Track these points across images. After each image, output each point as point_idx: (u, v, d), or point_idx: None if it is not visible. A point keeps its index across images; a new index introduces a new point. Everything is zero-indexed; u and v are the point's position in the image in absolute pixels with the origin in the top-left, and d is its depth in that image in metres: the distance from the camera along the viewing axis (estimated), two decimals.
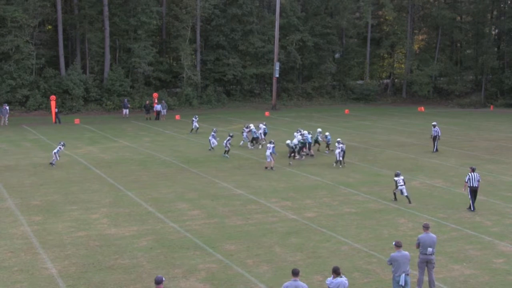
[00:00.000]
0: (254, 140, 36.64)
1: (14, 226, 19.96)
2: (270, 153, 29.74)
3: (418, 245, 15.01)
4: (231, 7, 63.70)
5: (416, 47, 78.75)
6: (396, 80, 78.26)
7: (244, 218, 21.20)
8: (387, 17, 76.07)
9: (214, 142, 35.04)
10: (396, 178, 23.64)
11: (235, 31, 64.54)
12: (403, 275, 13.84)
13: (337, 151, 30.62)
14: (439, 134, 35.81)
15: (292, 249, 17.92)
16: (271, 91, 64.38)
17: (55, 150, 30.61)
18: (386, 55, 79.51)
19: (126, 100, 54.58)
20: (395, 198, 23.80)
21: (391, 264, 14.10)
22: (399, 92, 76.17)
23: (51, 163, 30.41)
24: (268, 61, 65.19)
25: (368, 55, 72.96)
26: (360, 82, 73.99)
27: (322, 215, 21.68)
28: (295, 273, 12.51)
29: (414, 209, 22.64)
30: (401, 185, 23.46)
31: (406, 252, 14.17)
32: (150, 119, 51.33)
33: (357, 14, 75.28)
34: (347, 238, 19.00)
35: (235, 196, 24.44)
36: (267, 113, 56.11)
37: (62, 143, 31.61)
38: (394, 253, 14.05)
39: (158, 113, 51.80)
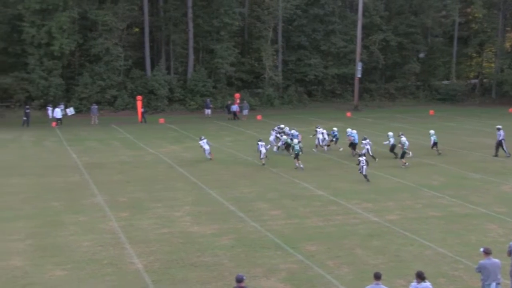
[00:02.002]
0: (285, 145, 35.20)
1: (103, 221, 20.77)
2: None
3: (510, 253, 14.32)
4: (313, 7, 63.48)
5: (508, 45, 75.48)
6: (484, 80, 75.34)
7: (325, 219, 21.09)
8: (476, 15, 73.30)
9: (268, 147, 33.15)
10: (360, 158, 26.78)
11: (316, 31, 64.30)
12: (494, 284, 13.27)
13: (367, 147, 31.40)
14: (503, 138, 33.87)
15: (374, 251, 17.67)
16: (353, 91, 63.64)
17: (206, 146, 32.22)
18: (474, 54, 76.59)
19: (208, 100, 55.55)
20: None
21: (480, 271, 13.54)
22: (488, 93, 73.26)
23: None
24: (350, 61, 64.49)
25: (455, 54, 70.67)
26: (446, 82, 71.76)
27: (405, 218, 21.24)
28: (377, 276, 12.32)
29: (505, 214, 21.76)
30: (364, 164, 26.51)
31: (497, 260, 13.59)
32: (231, 119, 52.02)
33: (443, 12, 72.96)
34: (431, 242, 18.52)
35: (315, 196, 24.36)
36: (348, 114, 55.54)
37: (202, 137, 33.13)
38: (483, 261, 13.49)
39: (235, 113, 52.40)
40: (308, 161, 32.13)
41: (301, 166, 29.89)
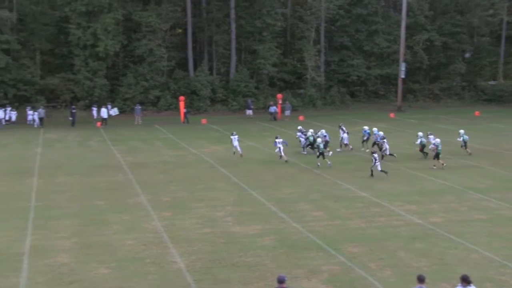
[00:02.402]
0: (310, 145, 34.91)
1: (146, 220, 21.01)
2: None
3: None
4: (356, 7, 63.02)
5: None
6: None
7: (367, 220, 20.88)
8: None
9: (280, 147, 32.88)
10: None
11: (359, 31, 63.79)
12: None
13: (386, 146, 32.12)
14: None
15: (417, 254, 17.40)
16: (396, 92, 62.87)
17: (235, 142, 33.11)
18: None
19: (249, 100, 55.73)
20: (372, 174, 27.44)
21: None
22: None
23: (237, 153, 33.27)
24: (394, 61, 63.68)
25: (502, 54, 69.11)
26: (492, 82, 70.20)
27: (449, 220, 20.85)
28: (421, 279, 12.13)
29: None
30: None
31: None
32: (271, 120, 52.01)
33: (491, 11, 71.39)
34: (477, 245, 18.12)
35: (358, 198, 24.14)
36: (392, 115, 54.89)
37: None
38: None
39: (273, 114, 52.35)
40: (350, 162, 31.91)
41: (329, 162, 30.53)
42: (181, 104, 51.78)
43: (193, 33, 60.65)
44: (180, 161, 32.87)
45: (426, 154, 32.58)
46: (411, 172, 29.31)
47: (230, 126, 47.30)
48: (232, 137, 34.03)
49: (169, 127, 47.30)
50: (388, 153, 32.34)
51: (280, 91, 60.10)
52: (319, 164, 30.50)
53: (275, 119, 52.42)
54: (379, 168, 27.88)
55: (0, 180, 28.00)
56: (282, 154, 32.18)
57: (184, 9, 59.21)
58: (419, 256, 17.26)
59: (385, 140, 33.04)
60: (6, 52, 52.96)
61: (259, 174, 29.06)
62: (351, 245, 18.25)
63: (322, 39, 62.93)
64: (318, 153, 30.88)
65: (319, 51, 62.65)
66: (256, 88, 60.20)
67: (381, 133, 34.77)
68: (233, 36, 59.36)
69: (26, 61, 54.72)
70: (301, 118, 52.29)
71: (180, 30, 63.17)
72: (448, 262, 16.76)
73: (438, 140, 30.71)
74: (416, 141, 33.38)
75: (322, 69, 62.85)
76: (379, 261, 16.86)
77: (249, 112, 54.28)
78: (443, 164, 30.00)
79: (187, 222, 20.73)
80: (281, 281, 12.18)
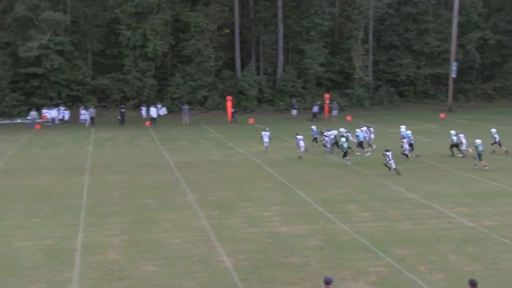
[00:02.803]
0: (360, 145, 34.82)
1: (193, 219, 21.17)
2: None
3: None
4: (406, 6, 62.12)
5: None
6: None
7: (416, 222, 20.50)
8: None
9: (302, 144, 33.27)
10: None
11: (409, 30, 62.85)
12: None
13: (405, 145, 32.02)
14: None
15: (469, 258, 16.96)
16: (446, 92, 61.63)
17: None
18: None
19: (294, 100, 55.68)
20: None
21: None
22: None
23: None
24: (444, 60, 62.46)
25: None
26: None
27: (504, 224, 20.25)
28: (473, 284, 11.82)
29: None
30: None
31: None
32: (321, 119, 51.71)
33: None
34: None
35: (406, 199, 23.75)
36: (442, 115, 53.81)
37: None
38: None
39: (315, 114, 52.03)
40: (397, 163, 31.40)
41: (349, 162, 30.81)
42: (229, 104, 52.04)
43: (241, 33, 60.87)
44: (227, 160, 33.02)
45: (453, 152, 32.94)
46: (462, 173, 28.66)
47: (277, 126, 47.23)
48: (263, 133, 34.70)
49: (217, 127, 47.58)
50: (407, 153, 31.94)
51: (327, 91, 59.70)
52: (349, 163, 30.69)
53: (314, 116, 51.91)
54: (393, 166, 28.36)
55: (54, 177, 28.74)
56: (301, 149, 32.84)
57: (231, 9, 59.51)
58: (471, 260, 16.82)
59: (404, 140, 32.62)
60: (60, 53, 54.31)
61: (306, 174, 28.93)
62: (399, 247, 17.94)
63: (371, 38, 62.25)
64: (342, 153, 31.43)
65: (367, 51, 61.99)
66: (303, 88, 60.01)
67: (409, 132, 34.47)
68: (280, 36, 59.33)
69: (79, 62, 56.01)
70: (348, 118, 51.79)
71: (227, 30, 63.51)
72: (502, 267, 16.27)
73: (478, 141, 29.93)
74: (449, 139, 33.64)
75: (370, 69, 62.18)
76: (429, 264, 16.51)
77: (294, 112, 54.20)
78: (484, 166, 29.23)
79: (234, 222, 20.79)
80: (327, 282, 12.06)
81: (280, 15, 58.84)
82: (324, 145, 35.48)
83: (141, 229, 19.98)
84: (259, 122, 50.37)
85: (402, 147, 32.23)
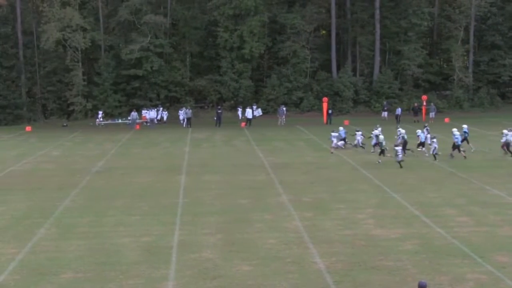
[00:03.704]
0: (421, 144, 33.87)
1: (287, 220, 21.33)
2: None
3: None
4: (510, 4, 59.55)
5: None
6: None
7: None
8: None
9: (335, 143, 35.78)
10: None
11: None
12: None
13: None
14: None
15: None
16: None
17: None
18: None
19: (385, 102, 54.81)
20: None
21: None
22: None
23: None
24: None
25: None
26: None
27: None
28: None
29: None
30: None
31: None
32: (417, 121, 50.52)
33: None
34: None
35: (508, 204, 22.80)
36: None
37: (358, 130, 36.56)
38: None
39: (397, 116, 50.81)
40: (501, 166, 30.22)
41: (379, 161, 31.59)
42: (325, 105, 51.96)
43: (337, 34, 60.64)
44: (322, 162, 33.00)
45: (507, 152, 32.47)
46: None
47: (372, 128, 46.52)
48: (357, 132, 36.91)
49: (312, 128, 47.61)
50: (421, 148, 33.20)
51: (424, 92, 58.34)
52: (379, 161, 31.57)
53: (397, 119, 50.75)
54: (399, 159, 30.01)
55: (152, 176, 29.81)
56: (334, 146, 35.40)
57: (328, 11, 59.42)
58: None
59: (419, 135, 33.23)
60: (160, 55, 56.32)
61: (402, 177, 28.41)
62: (500, 253, 17.28)
63: (472, 38, 60.16)
64: (380, 151, 32.05)
65: (467, 51, 60.06)
66: (400, 89, 58.98)
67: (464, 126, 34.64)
68: (378, 36, 58.56)
69: (177, 63, 57.84)
70: (446, 120, 50.32)
71: (324, 32, 63.44)
72: None
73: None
74: (502, 139, 33.08)
75: (470, 70, 60.15)
76: None
77: (384, 114, 53.42)
78: None
79: (328, 223, 20.78)
80: (422, 287, 11.87)
81: (377, 16, 58.08)
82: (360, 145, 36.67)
83: (236, 228, 20.35)
84: (353, 123, 49.88)
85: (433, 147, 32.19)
